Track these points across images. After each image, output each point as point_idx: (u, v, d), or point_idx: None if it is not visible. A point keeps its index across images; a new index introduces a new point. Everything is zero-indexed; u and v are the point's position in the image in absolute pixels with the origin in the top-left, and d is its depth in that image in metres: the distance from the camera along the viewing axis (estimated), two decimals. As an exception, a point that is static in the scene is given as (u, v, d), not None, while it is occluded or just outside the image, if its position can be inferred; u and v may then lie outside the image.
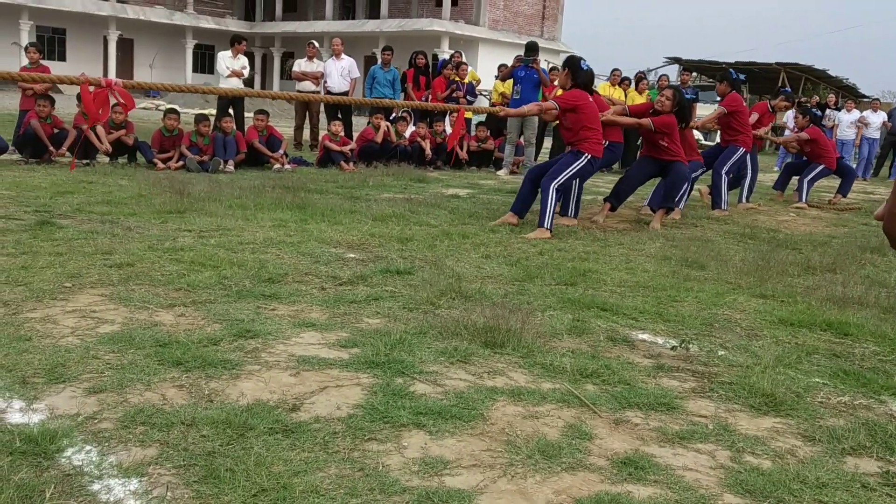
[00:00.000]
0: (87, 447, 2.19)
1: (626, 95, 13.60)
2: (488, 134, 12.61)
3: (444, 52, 31.37)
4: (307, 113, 13.69)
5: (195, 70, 42.38)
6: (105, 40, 39.04)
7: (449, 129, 12.56)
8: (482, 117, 14.12)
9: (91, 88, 6.33)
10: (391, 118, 12.03)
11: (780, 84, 30.48)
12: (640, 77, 14.45)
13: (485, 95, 19.77)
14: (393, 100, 12.82)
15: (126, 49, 40.42)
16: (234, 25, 42.78)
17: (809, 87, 33.85)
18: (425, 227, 6.27)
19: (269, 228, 5.71)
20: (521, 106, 8.37)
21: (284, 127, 15.00)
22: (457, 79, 13.22)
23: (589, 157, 6.59)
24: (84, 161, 8.91)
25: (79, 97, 7.79)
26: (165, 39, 41.47)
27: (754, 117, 9.74)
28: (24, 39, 34.21)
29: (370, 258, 4.95)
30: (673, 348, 3.50)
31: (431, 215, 6.87)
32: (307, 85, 13.38)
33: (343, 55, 13.38)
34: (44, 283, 3.78)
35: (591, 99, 6.72)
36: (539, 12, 41.71)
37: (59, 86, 16.38)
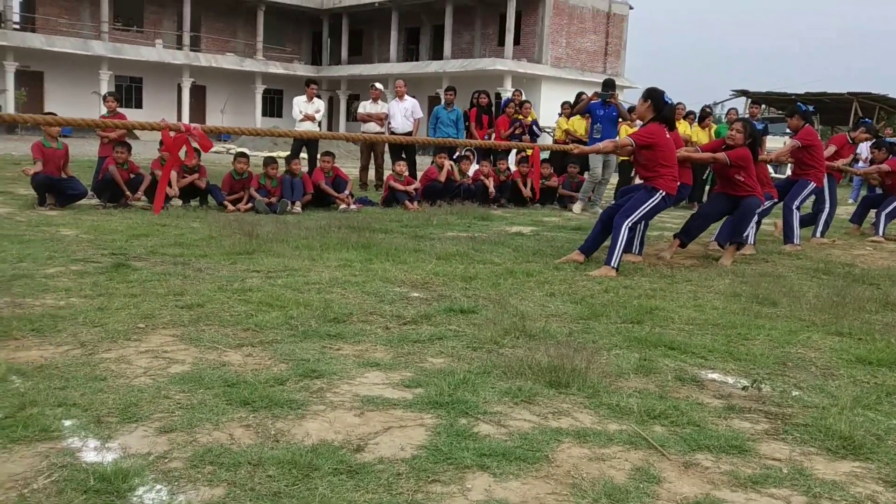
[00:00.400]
0: (158, 486, 2.24)
1: (690, 129, 13.43)
2: (552, 171, 12.60)
3: (507, 91, 31.59)
4: (372, 153, 13.92)
5: (265, 114, 43.59)
6: (179, 87, 40.51)
7: (513, 167, 12.61)
8: (545, 154, 14.13)
9: (171, 133, 6.58)
10: (455, 157, 12.13)
11: (853, 114, 29.75)
12: (706, 112, 14.21)
13: (548, 132, 19.81)
14: (456, 139, 12.95)
15: (199, 95, 41.86)
16: (301, 70, 43.93)
17: (884, 116, 32.93)
18: (489, 265, 6.27)
19: (334, 268, 5.79)
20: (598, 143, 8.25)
21: (350, 167, 15.26)
22: (520, 117, 13.29)
23: (664, 193, 6.46)
24: (158, 204, 9.21)
25: (161, 142, 8.11)
26: (236, 85, 42.82)
27: (831, 150, 9.51)
28: (104, 89, 35.72)
29: (434, 297, 4.97)
30: (744, 388, 3.40)
31: (495, 253, 6.87)
32: (372, 126, 13.60)
33: (406, 96, 13.60)
34: (119, 324, 3.90)
35: (668, 135, 6.58)
36: (602, 49, 41.74)
37: (137, 132, 16.98)
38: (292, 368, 3.35)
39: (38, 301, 4.35)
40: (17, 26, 36.92)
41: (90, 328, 3.82)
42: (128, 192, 9.24)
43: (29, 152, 9.41)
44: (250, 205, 9.63)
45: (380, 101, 13.79)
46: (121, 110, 10.85)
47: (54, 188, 8.82)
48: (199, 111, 41.68)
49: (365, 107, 13.82)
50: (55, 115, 8.97)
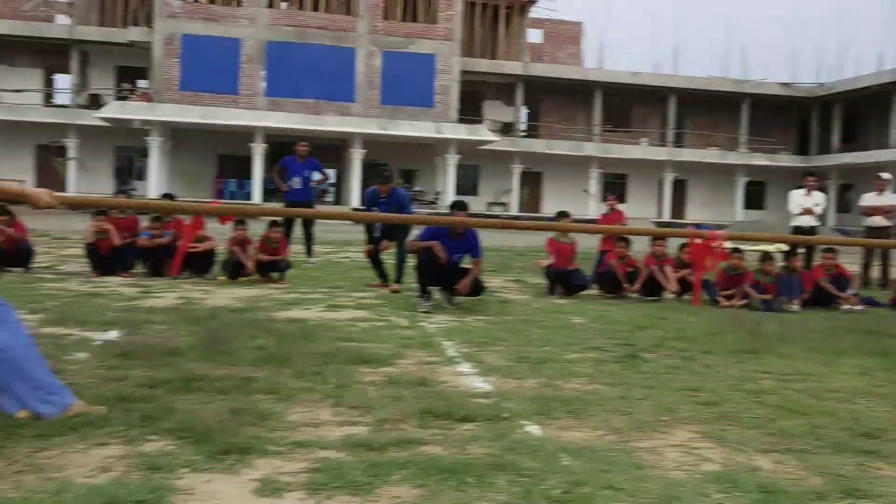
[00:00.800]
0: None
1: None
2: None
3: None
4: (874, 250, 12.70)
5: (746, 206, 42.67)
6: (660, 182, 41.87)
7: None
8: None
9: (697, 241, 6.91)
10: None
11: None
12: None
13: None
14: None
15: (679, 188, 42.72)
16: (786, 161, 42.37)
17: None
18: None
19: (852, 376, 5.35)
20: None
21: (851, 264, 14.08)
22: None
23: None
24: (652, 297, 9.59)
25: (683, 247, 8.74)
26: (716, 178, 42.82)
27: None
28: (592, 186, 38.64)
29: None
30: None
31: None
32: (877, 220, 12.46)
33: (918, 186, 12.23)
34: (643, 415, 4.10)
35: None
36: None
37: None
38: (830, 483, 3.16)
39: (566, 384, 4.78)
40: (524, 134, 42.00)
41: (618, 415, 4.08)
42: (626, 285, 9.76)
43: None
44: (744, 301, 9.45)
45: (885, 192, 12.60)
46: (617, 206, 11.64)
47: (564, 279, 9.71)
48: (678, 204, 42.49)
49: (868, 199, 12.74)
50: (567, 213, 9.97)
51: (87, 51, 37.16)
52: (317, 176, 12.23)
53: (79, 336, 5.74)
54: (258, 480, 2.97)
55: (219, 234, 10.31)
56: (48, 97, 39.18)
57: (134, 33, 35.51)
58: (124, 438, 3.37)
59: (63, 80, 38.70)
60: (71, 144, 35.46)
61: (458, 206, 8.43)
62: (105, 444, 3.31)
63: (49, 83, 39.35)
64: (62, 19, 39.93)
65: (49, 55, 37.46)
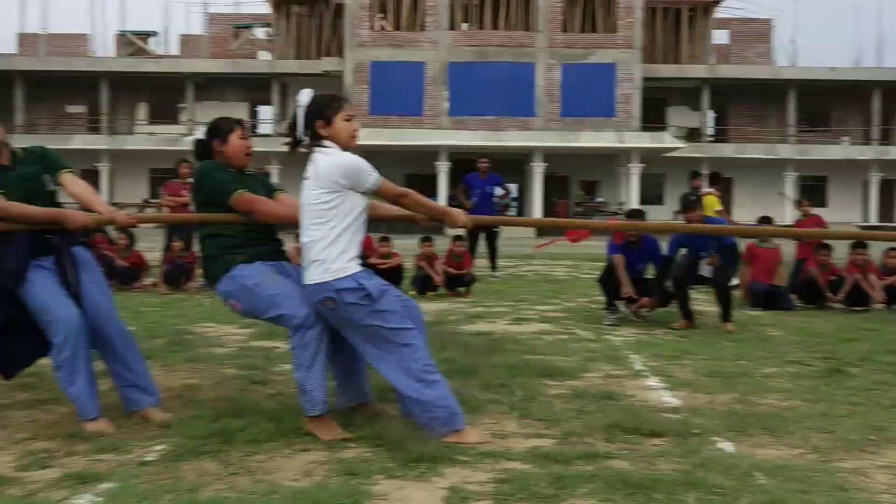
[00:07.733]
0: None
1: None
2: None
3: None
4: None
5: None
6: (865, 183, 38.81)
7: None
8: None
9: None
10: None
11: None
12: None
13: None
14: None
15: (888, 190, 39.35)
16: None
17: None
18: None
19: None
20: None
21: None
22: None
23: None
24: (858, 307, 8.96)
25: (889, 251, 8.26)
26: (933, 176, 39.03)
27: None
28: (788, 189, 36.41)
29: None
30: None
31: None
32: None
33: None
34: (848, 433, 3.84)
35: None
36: None
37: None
38: None
39: (761, 400, 4.57)
40: (711, 139, 40.34)
41: (819, 433, 3.85)
42: (828, 294, 9.16)
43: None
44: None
45: None
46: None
47: (765, 298, 9.08)
48: (887, 207, 39.15)
49: None
50: (770, 219, 9.53)
51: (286, 83, 39.78)
52: (498, 191, 12.37)
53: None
54: (447, 489, 3.08)
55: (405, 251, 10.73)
56: (253, 128, 42.22)
57: (327, 64, 37.64)
58: (326, 445, 3.61)
59: (265, 112, 41.69)
60: (274, 171, 37.99)
61: (633, 215, 8.38)
62: (308, 449, 3.56)
63: (253, 115, 42.46)
64: (264, 55, 43.00)
65: (253, 89, 40.48)
